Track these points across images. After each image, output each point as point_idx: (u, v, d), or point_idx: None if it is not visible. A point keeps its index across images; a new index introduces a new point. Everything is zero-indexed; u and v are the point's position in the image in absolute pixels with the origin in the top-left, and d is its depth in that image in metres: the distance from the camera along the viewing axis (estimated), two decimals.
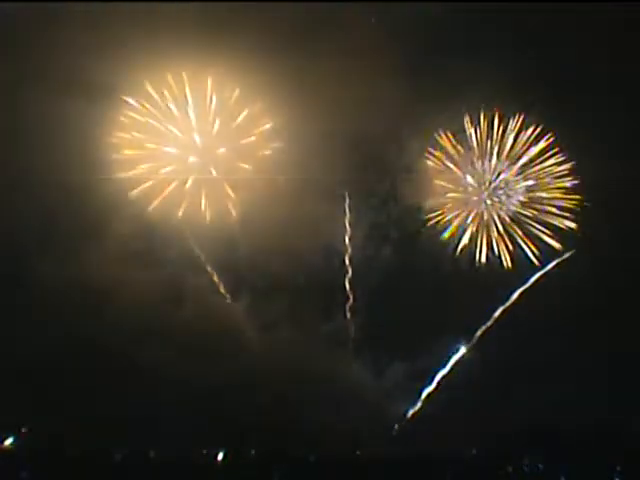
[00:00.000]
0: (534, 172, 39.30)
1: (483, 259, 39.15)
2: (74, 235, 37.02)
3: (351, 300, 39.84)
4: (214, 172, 38.25)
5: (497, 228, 39.26)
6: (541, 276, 39.46)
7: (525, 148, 38.96)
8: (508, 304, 39.47)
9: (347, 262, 39.97)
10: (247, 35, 35.38)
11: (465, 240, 39.27)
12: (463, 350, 39.59)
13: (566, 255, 39.13)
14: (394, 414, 39.29)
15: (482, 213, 39.56)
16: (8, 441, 36.03)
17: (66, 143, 35.34)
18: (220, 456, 36.59)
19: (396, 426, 39.10)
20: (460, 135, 39.24)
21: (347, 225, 40.22)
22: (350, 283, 39.94)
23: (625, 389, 36.06)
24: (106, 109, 36.13)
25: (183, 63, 36.25)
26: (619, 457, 34.85)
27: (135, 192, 37.26)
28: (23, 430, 36.19)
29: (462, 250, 39.19)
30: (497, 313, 39.50)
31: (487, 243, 39.26)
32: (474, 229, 39.39)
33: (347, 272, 39.95)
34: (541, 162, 39.09)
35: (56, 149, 35.35)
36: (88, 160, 36.02)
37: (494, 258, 39.19)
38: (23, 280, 36.64)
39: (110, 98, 36.11)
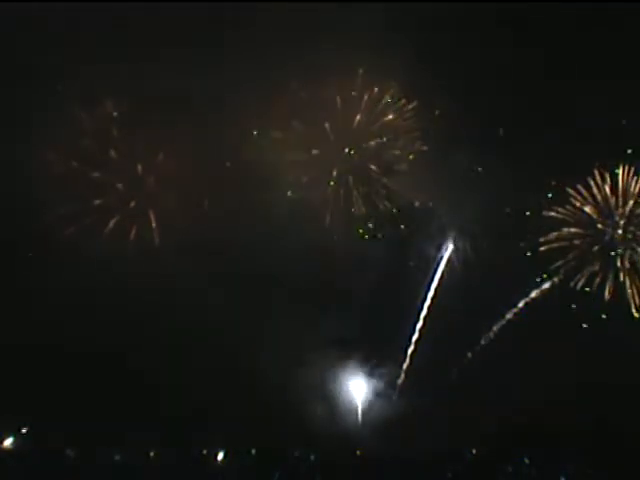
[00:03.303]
0: None
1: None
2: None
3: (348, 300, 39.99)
4: None
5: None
6: None
7: None
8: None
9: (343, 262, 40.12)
10: None
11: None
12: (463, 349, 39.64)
13: None
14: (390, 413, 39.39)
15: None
16: (8, 441, 36.03)
17: None
18: (220, 456, 36.63)
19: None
20: None
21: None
22: (346, 282, 40.10)
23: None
24: None
25: None
26: (618, 457, 34.83)
27: None
28: (23, 430, 36.21)
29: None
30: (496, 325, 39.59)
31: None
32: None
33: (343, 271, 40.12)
34: None
35: None
36: None
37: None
38: (21, 282, 36.68)
39: None
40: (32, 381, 34.83)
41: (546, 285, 39.08)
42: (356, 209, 40.10)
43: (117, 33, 36.50)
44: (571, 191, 38.32)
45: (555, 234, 38.68)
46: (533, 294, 39.38)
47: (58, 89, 36.48)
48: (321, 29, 36.17)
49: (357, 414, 38.81)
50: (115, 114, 37.86)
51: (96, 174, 37.75)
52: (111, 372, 35.93)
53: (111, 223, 37.66)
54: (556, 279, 38.80)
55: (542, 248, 38.69)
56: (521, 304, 39.49)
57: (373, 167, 40.10)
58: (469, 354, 39.43)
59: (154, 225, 38.37)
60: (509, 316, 39.54)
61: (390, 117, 39.40)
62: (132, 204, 38.37)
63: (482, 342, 39.39)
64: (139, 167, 38.37)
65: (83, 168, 37.50)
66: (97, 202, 37.64)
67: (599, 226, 38.71)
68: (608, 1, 36.64)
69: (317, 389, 38.08)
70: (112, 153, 37.96)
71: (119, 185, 38.19)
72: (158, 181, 38.61)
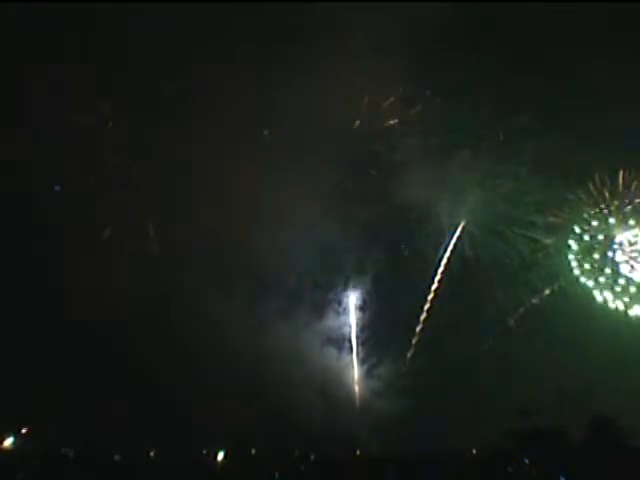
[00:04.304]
0: None
1: None
2: None
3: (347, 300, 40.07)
4: None
5: None
6: None
7: None
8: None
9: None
10: None
11: None
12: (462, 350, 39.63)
13: None
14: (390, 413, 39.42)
15: None
16: (8, 441, 36.04)
17: None
18: (220, 456, 36.64)
19: None
20: None
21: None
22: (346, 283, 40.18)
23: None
24: None
25: None
26: (619, 457, 34.78)
27: None
28: (23, 430, 36.21)
29: None
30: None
31: None
32: None
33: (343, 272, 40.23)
34: None
35: None
36: None
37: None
38: (21, 284, 36.73)
39: None
40: (32, 381, 34.85)
41: (546, 290, 39.09)
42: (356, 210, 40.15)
43: (115, 36, 36.45)
44: (571, 195, 38.44)
45: (555, 238, 38.70)
46: (534, 299, 39.44)
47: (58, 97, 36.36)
48: (321, 29, 36.27)
49: (357, 414, 38.85)
50: (111, 124, 37.83)
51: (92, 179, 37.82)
52: (111, 373, 36.02)
53: (109, 229, 37.75)
54: (556, 283, 38.85)
55: (541, 253, 38.72)
56: (521, 307, 39.53)
57: (373, 169, 40.13)
58: (469, 355, 39.51)
59: (152, 233, 38.45)
60: (509, 318, 39.57)
61: (391, 120, 39.43)
62: (130, 212, 38.44)
63: (482, 344, 39.46)
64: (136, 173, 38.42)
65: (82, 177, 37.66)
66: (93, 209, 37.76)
67: (598, 227, 38.69)
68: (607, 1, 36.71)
69: (317, 389, 38.17)
70: (110, 157, 38.00)
71: (116, 191, 38.27)
72: (157, 190, 38.65)
